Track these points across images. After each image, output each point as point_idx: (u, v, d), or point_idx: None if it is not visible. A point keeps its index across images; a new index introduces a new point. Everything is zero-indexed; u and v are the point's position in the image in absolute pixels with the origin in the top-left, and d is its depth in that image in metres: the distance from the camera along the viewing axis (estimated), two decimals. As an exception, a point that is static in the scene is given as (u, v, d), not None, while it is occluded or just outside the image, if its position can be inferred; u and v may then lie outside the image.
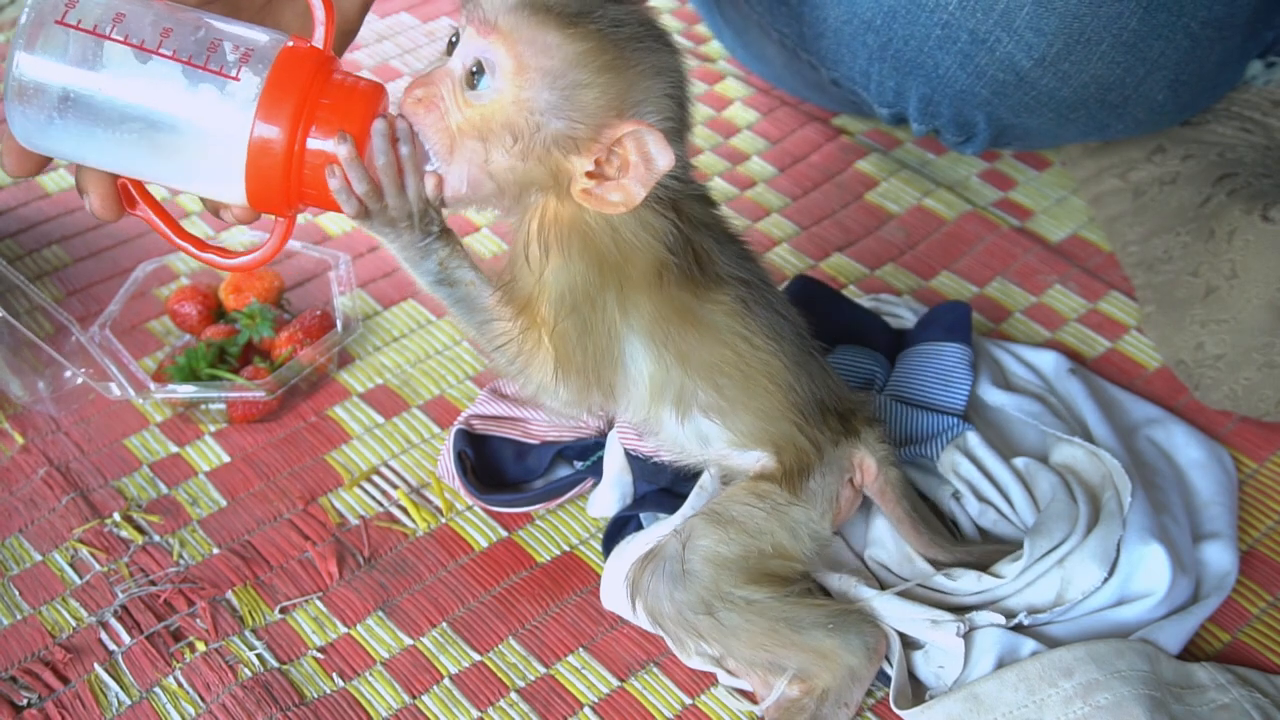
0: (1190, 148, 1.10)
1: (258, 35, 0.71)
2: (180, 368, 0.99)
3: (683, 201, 0.75)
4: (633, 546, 0.86)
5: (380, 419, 1.01)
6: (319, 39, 0.72)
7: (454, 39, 0.71)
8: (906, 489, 0.85)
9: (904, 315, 1.05)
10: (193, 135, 0.69)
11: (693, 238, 0.75)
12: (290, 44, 0.70)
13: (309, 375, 1.02)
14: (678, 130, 0.72)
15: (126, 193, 0.75)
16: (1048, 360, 1.01)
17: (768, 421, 0.78)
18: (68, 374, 0.98)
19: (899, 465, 0.84)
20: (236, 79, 0.69)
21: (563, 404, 0.76)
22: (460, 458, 0.93)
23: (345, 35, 0.84)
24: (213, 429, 1.00)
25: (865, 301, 1.07)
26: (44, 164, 0.74)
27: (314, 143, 0.70)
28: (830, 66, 1.10)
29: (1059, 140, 1.14)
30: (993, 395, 0.97)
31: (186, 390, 0.98)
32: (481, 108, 0.70)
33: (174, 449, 0.99)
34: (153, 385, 0.98)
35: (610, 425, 0.92)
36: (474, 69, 0.69)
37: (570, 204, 0.71)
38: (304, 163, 0.70)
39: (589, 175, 0.70)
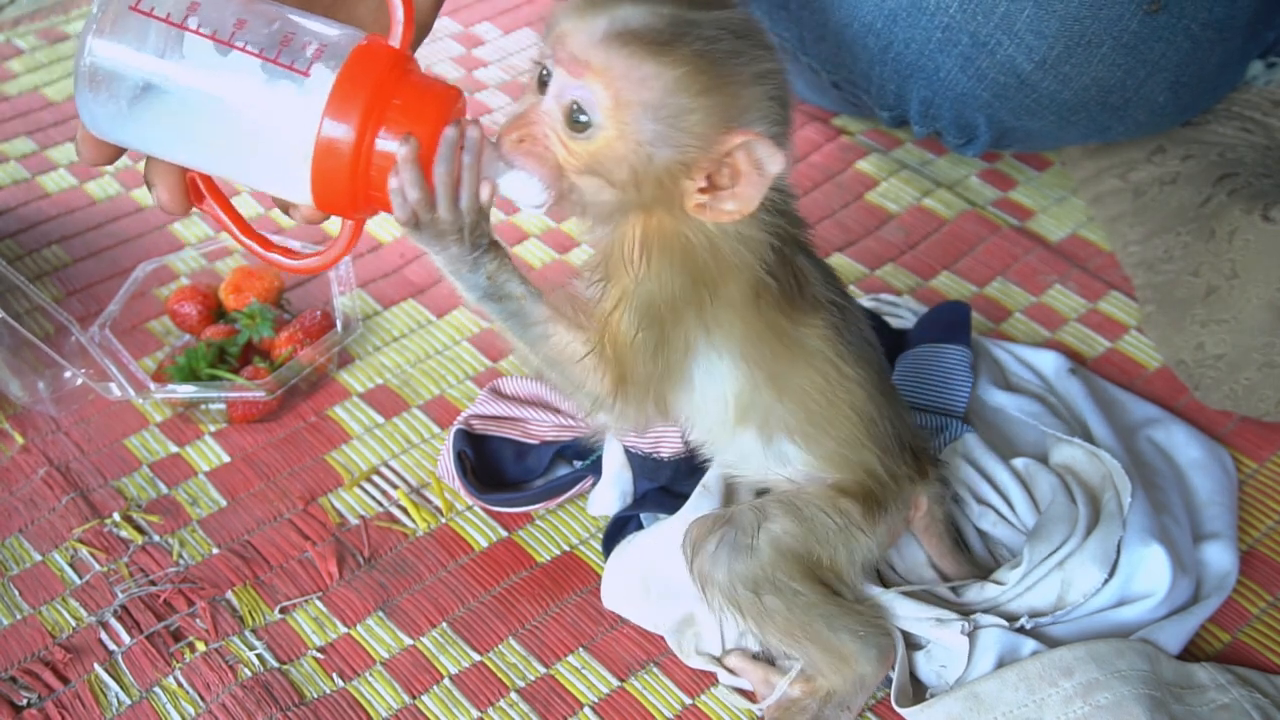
0: (1190, 148, 1.10)
1: (332, 31, 0.69)
2: (180, 368, 0.99)
3: (784, 215, 0.74)
4: (633, 546, 0.86)
5: (380, 419, 1.01)
6: (396, 37, 0.69)
7: (544, 74, 0.69)
8: (949, 525, 0.85)
9: (904, 315, 1.05)
10: (260, 131, 0.68)
11: (791, 256, 0.74)
12: (364, 41, 0.68)
13: (309, 375, 1.02)
14: (783, 131, 0.70)
15: (195, 187, 0.74)
16: (1048, 360, 1.01)
17: (849, 449, 0.77)
18: (66, 374, 0.98)
19: (946, 503, 0.84)
20: (307, 74, 0.67)
21: (616, 417, 0.74)
22: (460, 458, 0.93)
23: (419, 31, 0.82)
24: (213, 429, 1.00)
25: (865, 301, 1.07)
26: (118, 154, 0.73)
27: (382, 144, 0.67)
28: (831, 70, 1.10)
29: (1060, 142, 1.14)
30: (993, 395, 0.97)
31: (186, 390, 0.98)
32: (587, 146, 0.67)
33: (174, 449, 0.99)
34: (153, 385, 0.98)
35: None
36: (573, 109, 0.67)
37: (675, 214, 0.70)
38: (371, 164, 0.68)
39: (701, 191, 0.68)
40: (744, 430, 0.77)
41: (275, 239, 1.05)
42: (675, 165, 0.67)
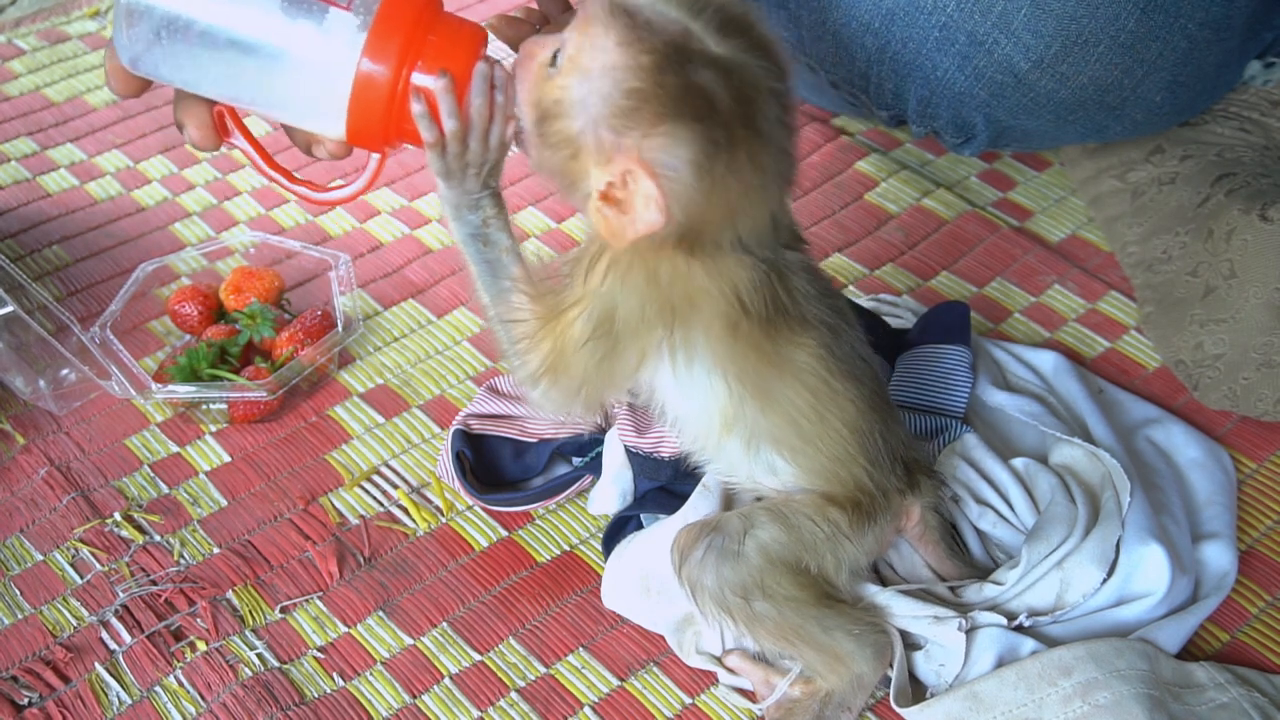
0: (1189, 148, 1.10)
1: None
2: (181, 368, 0.99)
3: (776, 241, 0.74)
4: (633, 546, 0.86)
5: (380, 419, 1.01)
6: None
7: None
8: (945, 531, 0.85)
9: (904, 315, 1.05)
10: (299, 64, 0.70)
11: (782, 277, 0.74)
12: None
13: (309, 375, 1.02)
14: (701, 193, 0.67)
15: (221, 121, 0.76)
16: (1047, 360, 1.01)
17: (839, 464, 0.78)
18: (64, 371, 0.98)
19: (941, 510, 0.84)
20: (348, 8, 0.69)
21: (540, 398, 0.76)
22: (459, 458, 0.93)
23: None
24: (213, 429, 1.00)
25: (865, 301, 1.07)
26: (146, 86, 0.75)
27: (418, 78, 0.70)
28: (829, 69, 1.10)
29: (1058, 141, 1.14)
30: (992, 395, 0.97)
31: (187, 390, 0.98)
32: (542, 85, 0.69)
33: (174, 449, 0.99)
34: (154, 385, 0.98)
35: (609, 422, 0.92)
36: (558, 49, 0.69)
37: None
38: (406, 98, 0.70)
39: (602, 196, 0.67)
40: (730, 441, 0.77)
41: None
42: (575, 141, 0.68)
